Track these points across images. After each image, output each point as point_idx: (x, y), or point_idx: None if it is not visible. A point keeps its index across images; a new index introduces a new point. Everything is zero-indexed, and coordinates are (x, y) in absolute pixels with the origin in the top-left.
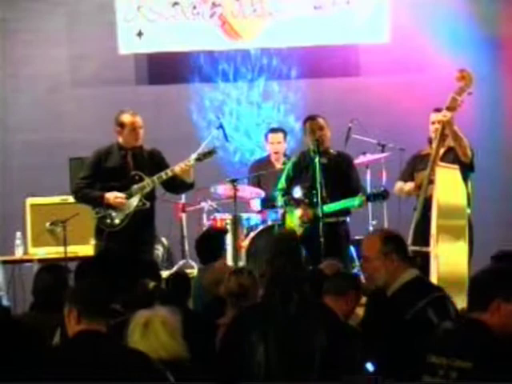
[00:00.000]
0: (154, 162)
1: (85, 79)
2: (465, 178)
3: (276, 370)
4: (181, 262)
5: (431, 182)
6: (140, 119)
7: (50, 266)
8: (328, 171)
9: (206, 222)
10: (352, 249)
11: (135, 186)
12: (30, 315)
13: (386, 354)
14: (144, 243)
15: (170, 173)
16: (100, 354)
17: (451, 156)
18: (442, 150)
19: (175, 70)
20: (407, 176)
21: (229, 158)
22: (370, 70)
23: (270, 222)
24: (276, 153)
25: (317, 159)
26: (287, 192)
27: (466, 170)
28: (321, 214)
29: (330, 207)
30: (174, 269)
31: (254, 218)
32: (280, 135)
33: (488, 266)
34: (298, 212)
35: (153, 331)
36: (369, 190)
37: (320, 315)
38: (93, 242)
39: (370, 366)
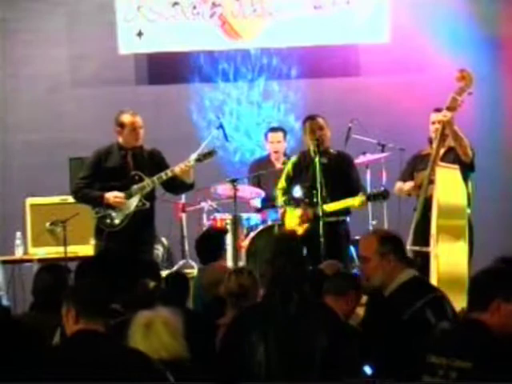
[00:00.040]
0: (154, 162)
1: (85, 79)
2: (465, 178)
3: (276, 370)
4: (181, 262)
5: (431, 181)
6: (140, 119)
7: (49, 266)
8: (328, 171)
9: (206, 222)
10: (352, 249)
11: (135, 186)
12: (29, 315)
13: (383, 355)
14: (144, 243)
15: (169, 173)
16: (98, 353)
17: (451, 156)
18: (442, 150)
19: (175, 70)
20: (407, 176)
21: (229, 158)
22: (369, 70)
23: (269, 222)
24: (276, 152)
25: (317, 159)
26: (287, 192)
27: (467, 169)
28: (321, 214)
29: (330, 207)
30: (174, 269)
31: (254, 217)
32: (280, 134)
33: (488, 266)
34: (298, 212)
35: (155, 332)
36: (369, 189)
37: (320, 315)
38: (93, 241)
39: (367, 369)
